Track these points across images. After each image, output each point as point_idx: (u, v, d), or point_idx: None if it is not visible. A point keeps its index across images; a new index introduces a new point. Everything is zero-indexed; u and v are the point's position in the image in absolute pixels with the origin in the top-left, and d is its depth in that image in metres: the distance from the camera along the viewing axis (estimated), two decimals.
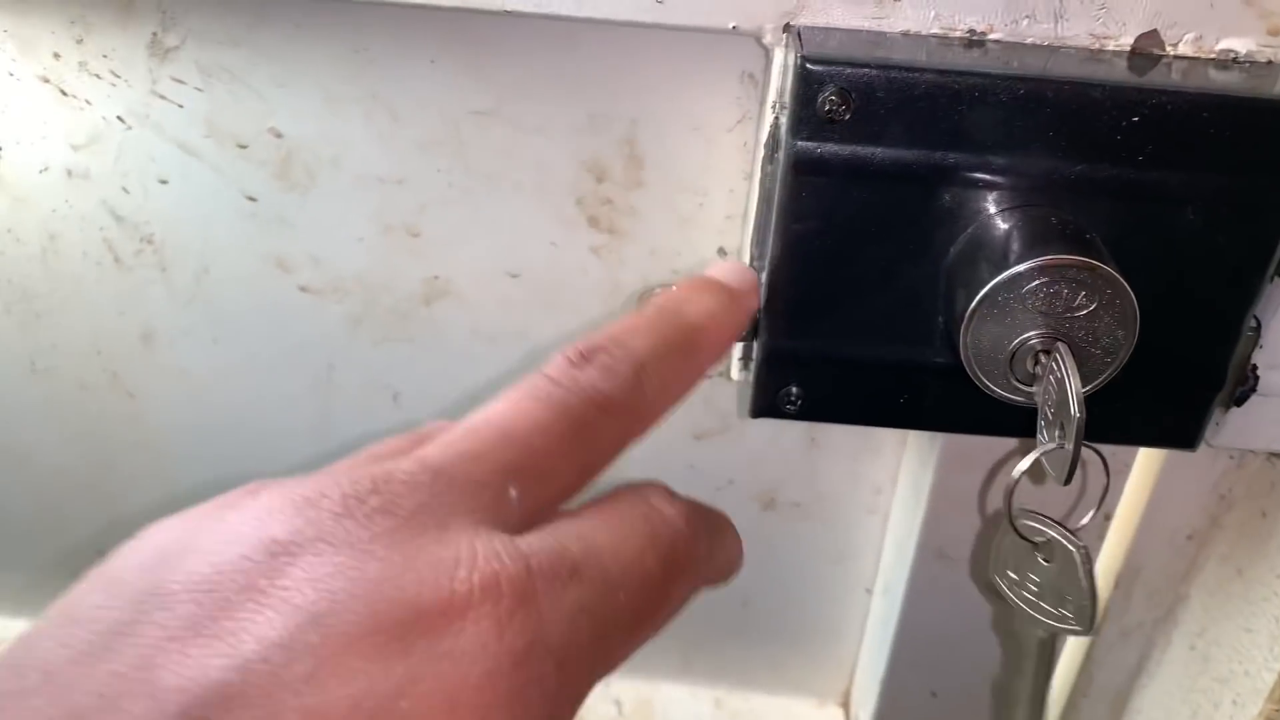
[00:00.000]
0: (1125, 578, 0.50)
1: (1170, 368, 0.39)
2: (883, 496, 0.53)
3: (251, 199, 0.47)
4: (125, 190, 0.48)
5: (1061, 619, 0.41)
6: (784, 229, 0.37)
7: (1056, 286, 0.34)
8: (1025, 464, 0.35)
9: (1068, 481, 0.33)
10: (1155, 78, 0.36)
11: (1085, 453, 0.34)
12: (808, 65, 0.35)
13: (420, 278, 0.49)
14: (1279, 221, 0.36)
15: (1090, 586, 0.38)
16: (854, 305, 0.39)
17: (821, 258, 0.38)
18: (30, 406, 0.54)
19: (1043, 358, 0.35)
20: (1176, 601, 0.50)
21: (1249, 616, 0.45)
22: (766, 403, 0.41)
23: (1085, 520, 0.39)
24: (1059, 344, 0.33)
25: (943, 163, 0.36)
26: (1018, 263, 0.34)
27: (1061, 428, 0.34)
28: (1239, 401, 0.41)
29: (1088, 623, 0.39)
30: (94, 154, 0.47)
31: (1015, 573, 0.42)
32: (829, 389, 0.41)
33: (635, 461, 0.55)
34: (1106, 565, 0.50)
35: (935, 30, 0.37)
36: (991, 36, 0.37)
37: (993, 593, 0.44)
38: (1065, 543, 0.38)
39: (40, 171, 0.47)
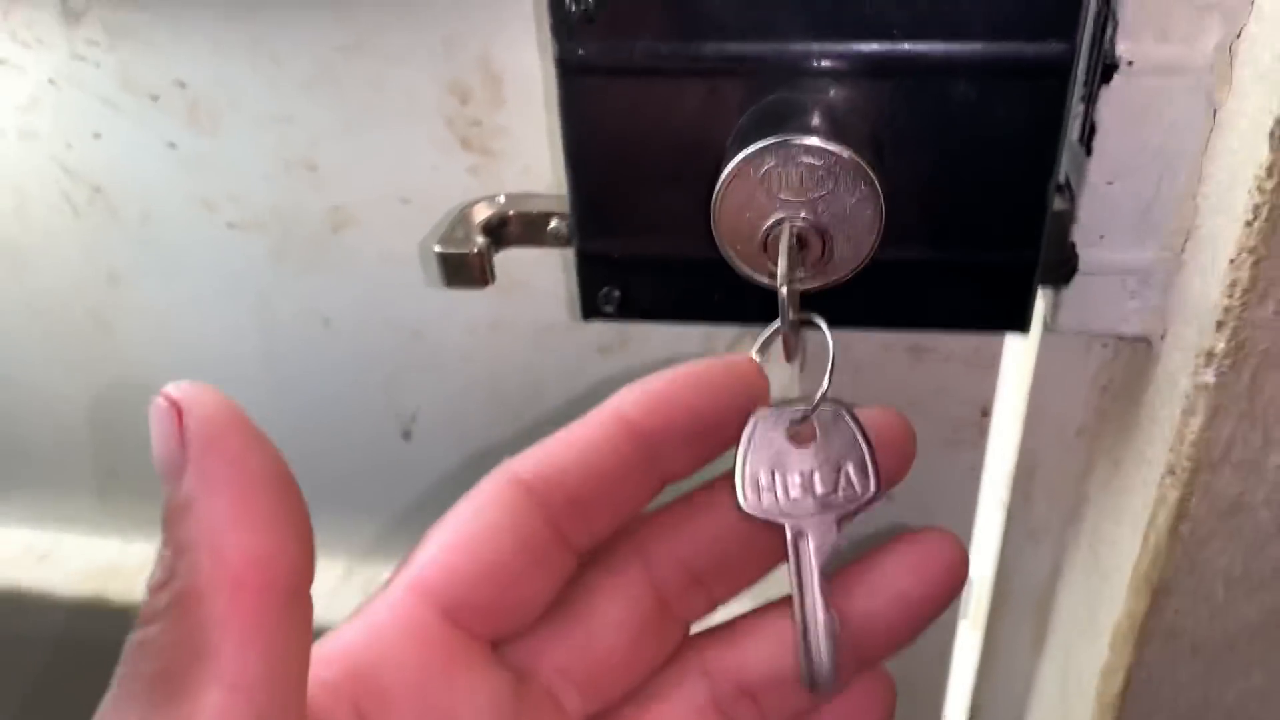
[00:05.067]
0: (1021, 478, 0.48)
1: (978, 249, 0.38)
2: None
3: (172, 145, 0.52)
4: (69, 145, 0.53)
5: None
6: (565, 131, 0.39)
7: (787, 169, 0.34)
8: (756, 345, 0.35)
9: (789, 359, 0.34)
10: None
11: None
12: None
13: (324, 208, 0.52)
14: (1058, 87, 0.35)
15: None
16: (650, 204, 0.40)
17: (608, 158, 0.39)
18: (33, 345, 0.62)
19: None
20: (1079, 501, 0.48)
21: (1121, 510, 0.43)
22: (590, 305, 0.43)
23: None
24: (784, 223, 0.33)
25: (699, 54, 0.36)
26: (746, 148, 0.34)
27: None
28: (1065, 281, 0.39)
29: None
30: (37, 114, 0.53)
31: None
32: (643, 288, 0.42)
33: (551, 378, 0.57)
34: (998, 465, 0.49)
35: None
36: None
37: None
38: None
39: None
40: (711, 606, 0.36)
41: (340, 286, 0.55)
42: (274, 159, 0.51)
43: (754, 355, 0.34)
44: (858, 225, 0.34)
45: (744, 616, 0.36)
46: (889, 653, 0.35)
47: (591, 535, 0.34)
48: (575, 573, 0.34)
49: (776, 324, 0.34)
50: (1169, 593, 0.40)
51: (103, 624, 0.68)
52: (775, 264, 0.36)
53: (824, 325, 0.34)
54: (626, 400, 0.33)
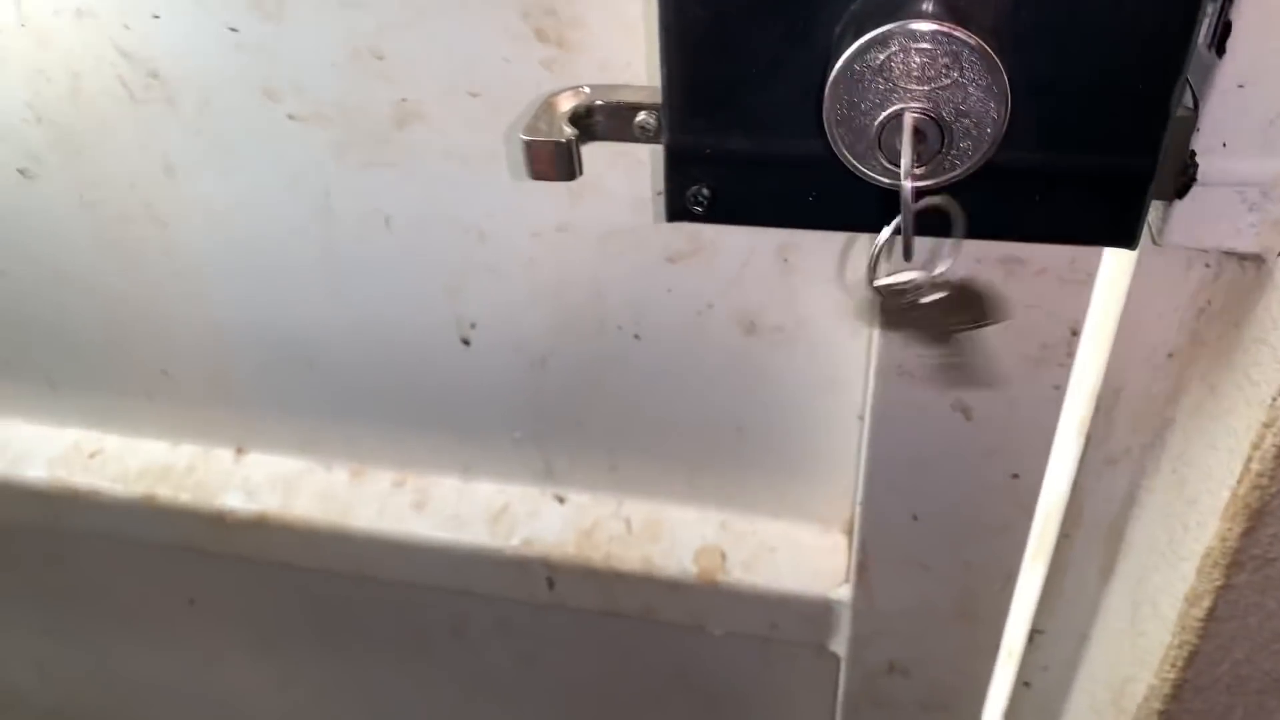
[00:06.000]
0: (1105, 399, 0.47)
1: (1093, 155, 0.36)
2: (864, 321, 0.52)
3: (233, 30, 0.50)
4: (127, 27, 0.51)
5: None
6: (662, 12, 0.37)
7: (908, 56, 0.32)
8: (878, 243, 0.33)
9: (907, 257, 0.32)
10: None
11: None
12: None
13: (390, 101, 0.51)
14: None
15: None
16: (751, 93, 0.38)
17: (706, 43, 0.37)
18: (85, 237, 0.60)
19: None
20: (1164, 426, 0.47)
21: (1215, 434, 0.42)
22: (677, 204, 0.41)
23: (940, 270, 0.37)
24: (905, 114, 0.32)
25: None
26: (866, 32, 0.32)
27: None
28: (1180, 193, 0.37)
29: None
30: None
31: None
32: (737, 186, 0.40)
33: (615, 286, 0.56)
34: (1082, 386, 0.47)
35: None
36: None
37: None
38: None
39: (54, 14, 0.52)
40: None
41: (404, 184, 0.53)
42: (340, 46, 0.49)
43: (873, 251, 0.33)
44: (981, 117, 0.33)
45: None
46: None
47: None
48: None
49: (897, 221, 0.33)
50: (1267, 518, 0.39)
51: (150, 525, 0.68)
52: (888, 158, 0.34)
53: (955, 204, 0.32)
54: None
